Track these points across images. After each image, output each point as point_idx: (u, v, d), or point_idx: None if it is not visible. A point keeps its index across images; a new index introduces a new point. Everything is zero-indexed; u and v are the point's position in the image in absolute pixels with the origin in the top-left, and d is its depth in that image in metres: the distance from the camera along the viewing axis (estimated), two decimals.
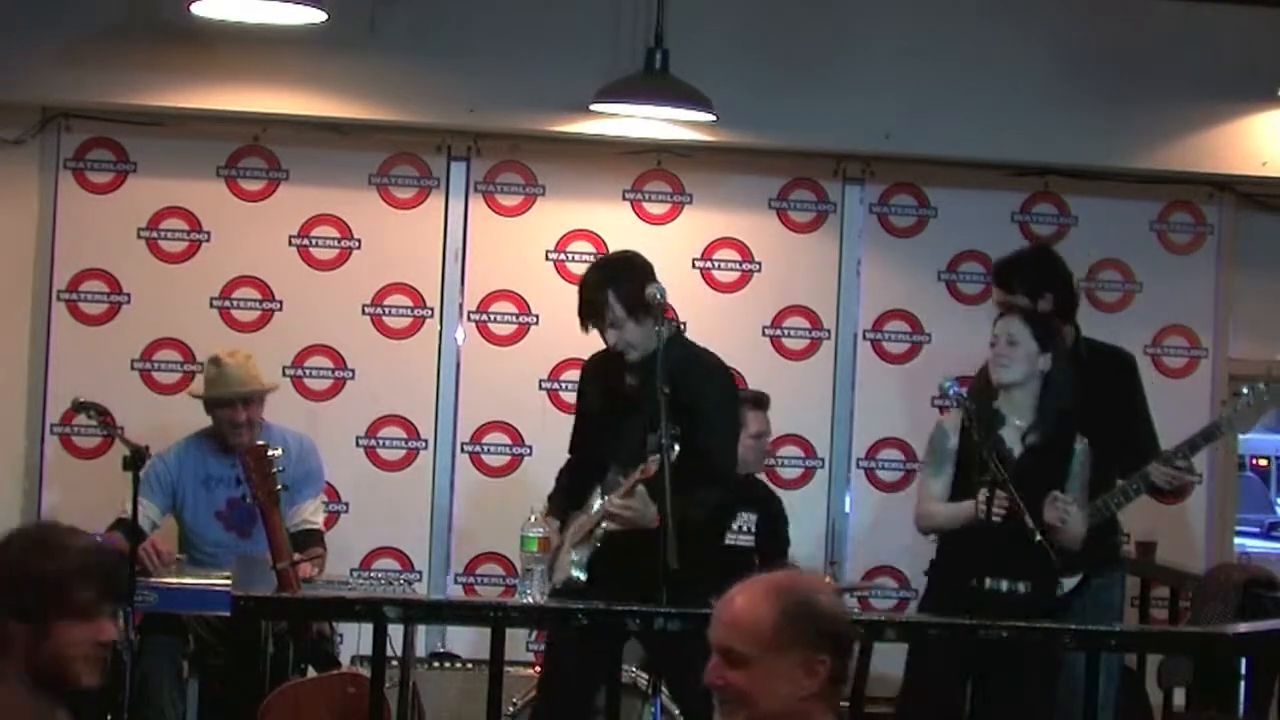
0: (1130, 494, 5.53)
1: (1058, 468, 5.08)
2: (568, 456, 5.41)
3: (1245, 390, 5.60)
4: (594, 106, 6.47)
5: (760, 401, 6.31)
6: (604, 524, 4.90)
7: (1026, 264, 5.82)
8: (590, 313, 5.02)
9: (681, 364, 4.95)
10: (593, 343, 6.95)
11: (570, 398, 6.98)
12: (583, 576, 4.96)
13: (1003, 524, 4.96)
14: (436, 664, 6.22)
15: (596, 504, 5.01)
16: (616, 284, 4.97)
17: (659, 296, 4.89)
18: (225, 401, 5.93)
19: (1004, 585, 5.03)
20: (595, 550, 4.99)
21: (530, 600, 4.87)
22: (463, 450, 7.00)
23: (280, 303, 6.92)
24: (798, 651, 2.79)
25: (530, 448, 7.01)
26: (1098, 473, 5.57)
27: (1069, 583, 5.34)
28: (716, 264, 7.10)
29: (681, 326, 5.43)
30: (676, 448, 4.62)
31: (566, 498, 5.23)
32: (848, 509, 7.14)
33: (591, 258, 7.02)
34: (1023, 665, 4.93)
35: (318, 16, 5.50)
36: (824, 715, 2.82)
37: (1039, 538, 5.05)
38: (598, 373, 5.24)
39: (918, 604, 5.79)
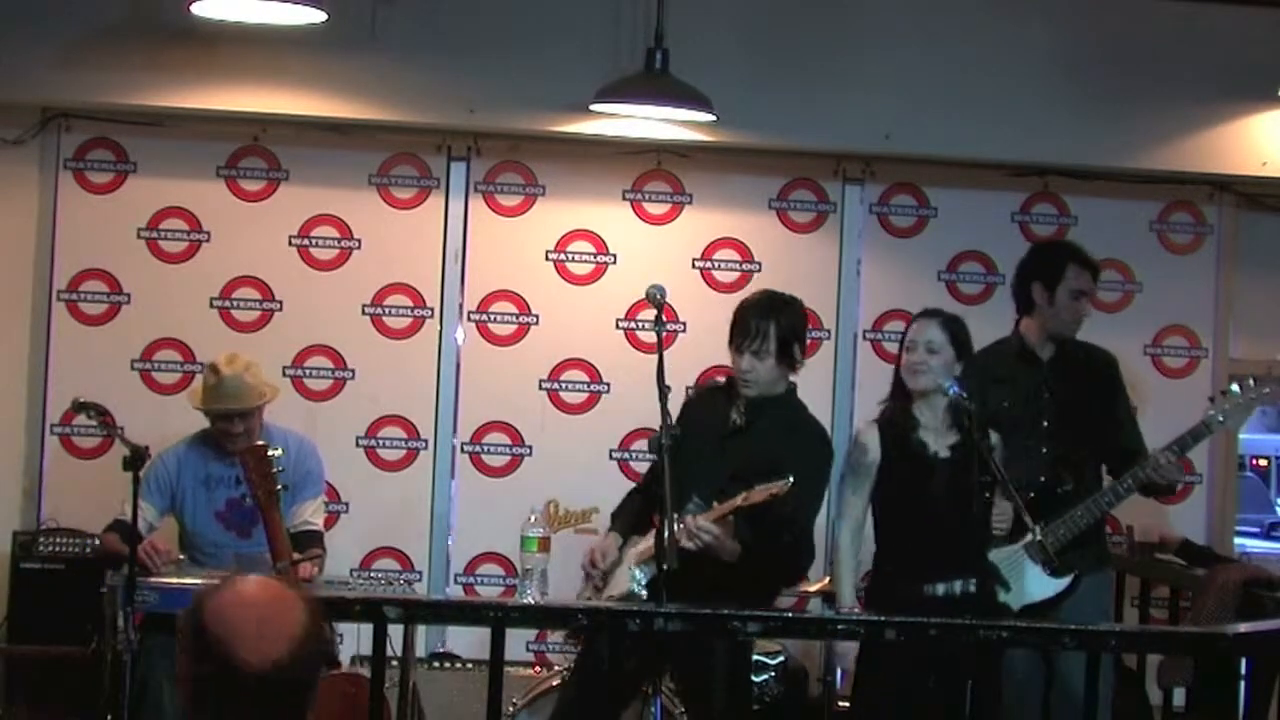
0: (1121, 493, 5.51)
1: (984, 464, 5.01)
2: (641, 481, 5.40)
3: (1235, 387, 5.56)
4: (594, 106, 6.46)
5: None
6: (685, 542, 4.76)
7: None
8: (746, 332, 5.02)
9: (788, 426, 5.03)
10: (594, 344, 7.01)
11: (570, 397, 7.01)
12: (644, 594, 4.88)
13: (945, 526, 4.92)
14: (436, 664, 6.22)
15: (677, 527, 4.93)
16: (780, 320, 5.02)
17: (659, 296, 4.88)
18: (220, 414, 5.92)
19: (941, 589, 4.95)
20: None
21: (530, 600, 4.86)
22: (463, 450, 7.00)
23: (280, 303, 6.92)
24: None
25: (530, 448, 7.02)
26: (1086, 472, 5.56)
27: (1061, 583, 5.33)
28: (716, 264, 7.10)
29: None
30: None
31: (631, 519, 5.21)
32: None
33: (591, 258, 7.03)
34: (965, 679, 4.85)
35: (318, 16, 5.50)
36: None
37: (1038, 537, 5.04)
38: (701, 408, 5.21)
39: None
